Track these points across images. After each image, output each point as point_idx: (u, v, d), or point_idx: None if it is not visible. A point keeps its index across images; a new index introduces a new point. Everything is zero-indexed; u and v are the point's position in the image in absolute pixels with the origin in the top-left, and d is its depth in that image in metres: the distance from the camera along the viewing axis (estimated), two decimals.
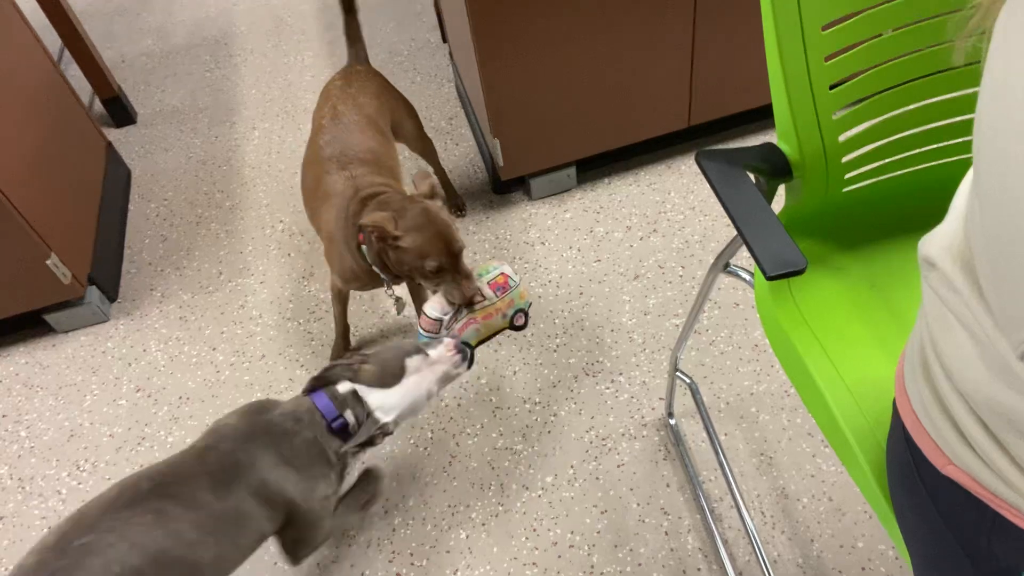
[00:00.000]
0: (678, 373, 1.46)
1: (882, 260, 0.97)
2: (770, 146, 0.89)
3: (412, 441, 1.56)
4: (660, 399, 1.56)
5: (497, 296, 1.33)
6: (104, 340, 1.86)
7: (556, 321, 1.73)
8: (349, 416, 1.15)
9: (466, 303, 1.28)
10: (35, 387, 1.78)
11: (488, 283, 1.34)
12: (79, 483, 1.58)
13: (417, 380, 1.18)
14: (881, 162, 0.91)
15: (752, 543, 1.33)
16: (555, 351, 1.68)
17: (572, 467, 1.49)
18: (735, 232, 0.76)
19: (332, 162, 1.44)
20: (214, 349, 1.79)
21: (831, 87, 0.85)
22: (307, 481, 1.11)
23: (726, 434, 1.50)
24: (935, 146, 0.91)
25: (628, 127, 1.90)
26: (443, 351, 1.21)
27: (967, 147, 0.93)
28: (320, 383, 1.19)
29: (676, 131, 1.97)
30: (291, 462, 1.10)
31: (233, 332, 1.82)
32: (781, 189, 0.93)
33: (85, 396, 1.75)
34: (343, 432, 1.15)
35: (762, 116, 2.08)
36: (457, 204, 2.00)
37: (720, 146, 2.08)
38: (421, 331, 1.32)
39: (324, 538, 1.18)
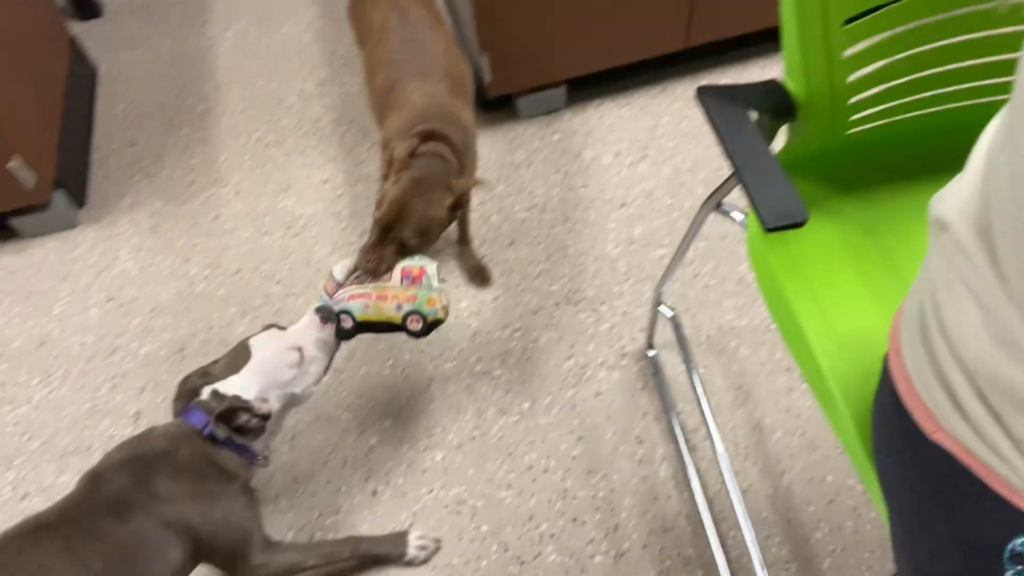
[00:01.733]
0: (661, 306, 1.45)
1: (881, 206, 0.94)
2: (774, 84, 0.84)
3: (390, 363, 1.55)
4: (641, 330, 1.56)
5: (402, 284, 1.23)
6: (72, 247, 1.80)
7: (539, 247, 1.70)
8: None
9: (355, 268, 1.26)
10: (2, 292, 1.73)
11: (402, 268, 1.25)
12: (51, 391, 1.56)
13: (268, 353, 1.17)
14: (890, 104, 0.86)
15: (723, 472, 1.35)
16: (537, 277, 1.66)
17: (550, 394, 1.49)
18: (729, 166, 0.73)
19: (408, 67, 1.42)
20: (187, 261, 1.75)
21: (845, 22, 0.80)
22: (201, 498, 1.08)
23: (705, 367, 1.50)
24: (949, 89, 0.87)
25: (623, 46, 1.82)
26: (305, 318, 1.22)
27: (984, 91, 0.89)
28: (185, 400, 1.17)
29: (673, 52, 1.89)
30: (177, 481, 1.07)
31: (207, 244, 1.77)
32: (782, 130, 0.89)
33: (54, 304, 1.70)
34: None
35: (763, 40, 2.00)
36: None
37: (718, 71, 2.00)
38: (321, 292, 1.28)
39: (266, 558, 1.15)
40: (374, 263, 1.23)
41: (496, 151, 1.88)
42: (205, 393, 1.15)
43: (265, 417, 1.15)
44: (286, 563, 1.17)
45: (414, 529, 1.33)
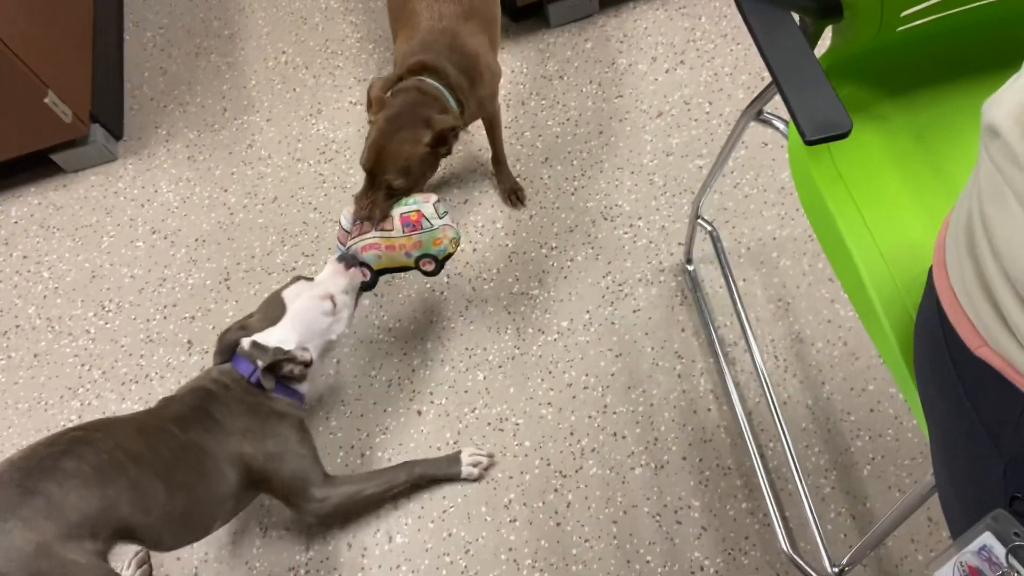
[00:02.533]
0: (700, 219, 1.42)
1: (931, 109, 0.89)
2: None
3: (428, 286, 1.57)
4: (679, 244, 1.54)
5: (404, 232, 1.25)
6: (115, 180, 1.83)
7: (574, 163, 1.67)
8: (259, 365, 1.16)
9: (355, 217, 1.26)
10: (51, 228, 1.78)
11: (401, 215, 1.25)
12: (106, 323, 1.62)
13: (301, 303, 1.21)
14: None
15: (763, 385, 1.36)
16: (573, 194, 1.63)
17: (588, 312, 1.49)
18: (768, 71, 0.69)
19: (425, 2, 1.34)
20: (225, 191, 1.76)
21: None
22: (254, 434, 1.14)
23: (744, 279, 1.48)
24: None
25: None
26: (329, 267, 1.25)
27: None
28: (227, 352, 1.21)
29: None
30: (232, 416, 1.13)
31: (243, 173, 1.78)
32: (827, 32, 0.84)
33: (102, 237, 1.75)
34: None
35: None
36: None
37: None
38: (337, 242, 1.32)
39: (325, 492, 1.21)
40: (367, 209, 1.25)
41: (527, 63, 1.82)
42: (246, 344, 1.19)
43: (308, 364, 1.20)
44: (345, 495, 1.23)
45: (465, 447, 1.37)
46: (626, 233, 1.57)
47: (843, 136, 0.62)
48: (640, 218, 1.58)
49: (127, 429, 1.05)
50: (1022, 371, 0.53)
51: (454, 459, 1.34)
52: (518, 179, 1.65)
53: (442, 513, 1.33)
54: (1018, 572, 0.51)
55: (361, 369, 1.49)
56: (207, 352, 1.55)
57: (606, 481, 1.33)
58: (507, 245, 1.59)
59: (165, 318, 1.61)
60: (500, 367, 1.46)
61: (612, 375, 1.42)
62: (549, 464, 1.35)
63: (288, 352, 1.18)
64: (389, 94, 1.28)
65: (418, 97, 1.26)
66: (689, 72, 1.75)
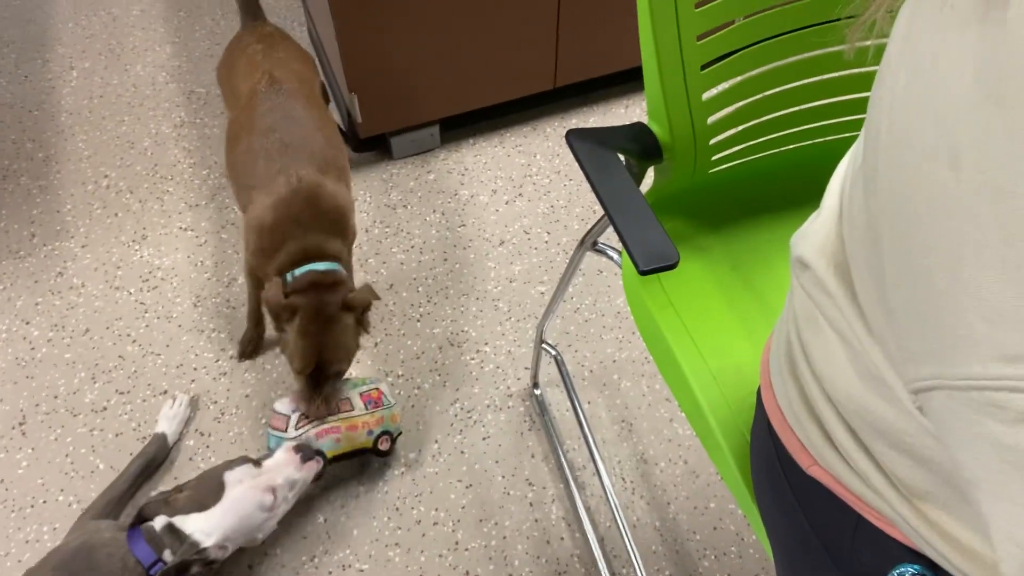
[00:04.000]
0: (544, 344, 1.45)
1: (744, 240, 0.97)
2: (640, 126, 0.86)
3: (263, 420, 1.46)
4: (526, 368, 1.55)
5: (367, 409, 1.28)
6: None
7: (419, 289, 1.66)
8: (167, 556, 1.04)
9: (315, 418, 1.24)
10: None
11: (361, 394, 1.29)
12: None
13: (241, 492, 1.09)
14: (748, 144, 0.90)
15: (613, 509, 1.35)
16: (419, 320, 1.62)
17: (436, 442, 1.44)
18: (602, 207, 0.73)
19: (273, 139, 1.26)
20: (27, 323, 1.58)
21: (702, 68, 0.83)
22: None
23: (589, 402, 1.51)
24: (803, 128, 0.92)
25: (493, 86, 1.83)
26: (281, 455, 1.16)
27: (830, 129, 0.95)
28: (137, 520, 1.10)
29: (542, 92, 1.92)
30: None
31: (50, 303, 1.61)
32: (650, 171, 0.91)
33: None
34: None
35: (629, 79, 2.08)
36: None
37: (587, 109, 2.06)
38: (270, 430, 1.25)
39: None
40: (324, 408, 1.22)
41: (372, 192, 1.84)
42: (160, 523, 1.04)
43: (212, 564, 1.06)
44: None
45: None
46: (473, 359, 1.56)
47: (672, 267, 0.66)
48: (487, 343, 1.58)
49: None
50: (852, 489, 0.55)
51: None
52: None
53: None
54: None
55: None
56: None
57: None
58: (350, 374, 1.53)
59: None
60: (343, 507, 1.36)
61: (463, 508, 1.36)
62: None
63: (203, 551, 1.03)
64: (290, 295, 1.20)
65: (320, 289, 1.20)
66: (528, 204, 1.84)
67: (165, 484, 1.37)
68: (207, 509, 1.07)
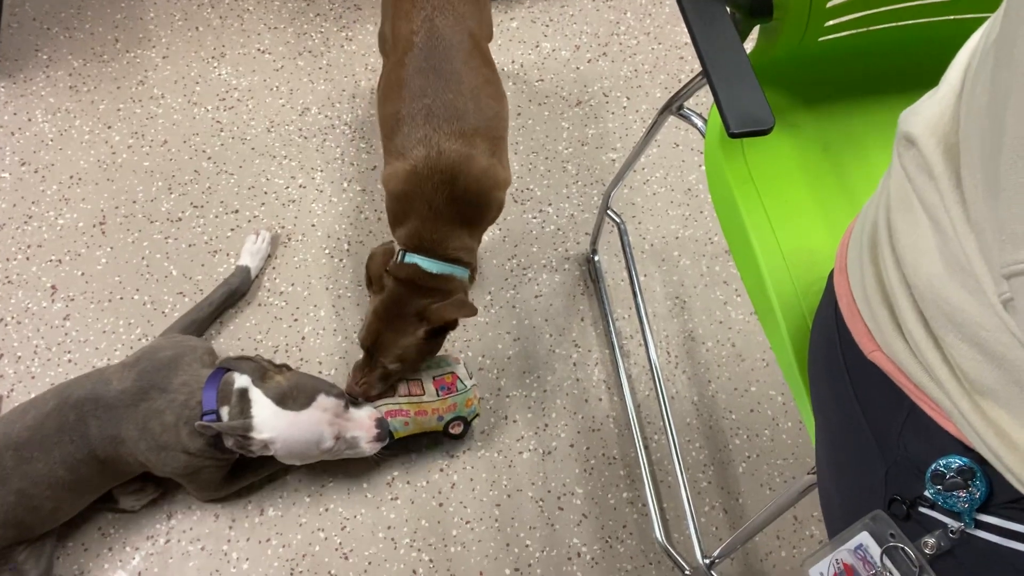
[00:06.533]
0: (608, 211, 1.43)
1: (840, 122, 0.92)
2: None
3: (327, 251, 1.50)
4: (586, 234, 1.54)
5: (439, 396, 1.22)
6: None
7: None
8: (223, 413, 1.08)
9: (349, 392, 1.20)
10: None
11: (434, 378, 1.23)
12: None
13: (317, 418, 1.09)
14: (869, 11, 0.82)
15: (655, 379, 1.38)
16: None
17: (490, 293, 1.47)
18: (691, 70, 0.69)
19: (420, 105, 1.12)
20: (109, 127, 1.62)
21: None
22: (157, 451, 1.10)
23: (646, 275, 1.50)
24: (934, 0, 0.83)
25: None
26: (365, 418, 1.15)
27: (965, 5, 0.86)
28: (225, 366, 1.13)
29: None
30: (149, 435, 1.09)
31: (131, 110, 1.64)
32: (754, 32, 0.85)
33: None
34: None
35: None
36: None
37: None
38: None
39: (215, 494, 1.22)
40: (364, 387, 1.20)
41: None
42: (240, 382, 1.10)
43: (246, 451, 1.10)
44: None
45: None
46: (535, 218, 1.56)
47: (765, 132, 0.62)
48: (550, 204, 1.57)
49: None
50: (912, 378, 0.54)
51: None
52: None
53: (320, 488, 1.27)
54: (891, 572, 0.53)
55: None
56: (72, 300, 1.42)
57: (493, 464, 1.31)
58: None
59: (28, 259, 1.46)
60: None
61: (508, 358, 1.41)
62: (438, 445, 1.32)
63: (250, 438, 1.07)
64: (388, 273, 1.16)
65: (412, 287, 1.15)
66: (611, 65, 1.75)
67: (238, 309, 1.43)
68: (284, 407, 1.08)
